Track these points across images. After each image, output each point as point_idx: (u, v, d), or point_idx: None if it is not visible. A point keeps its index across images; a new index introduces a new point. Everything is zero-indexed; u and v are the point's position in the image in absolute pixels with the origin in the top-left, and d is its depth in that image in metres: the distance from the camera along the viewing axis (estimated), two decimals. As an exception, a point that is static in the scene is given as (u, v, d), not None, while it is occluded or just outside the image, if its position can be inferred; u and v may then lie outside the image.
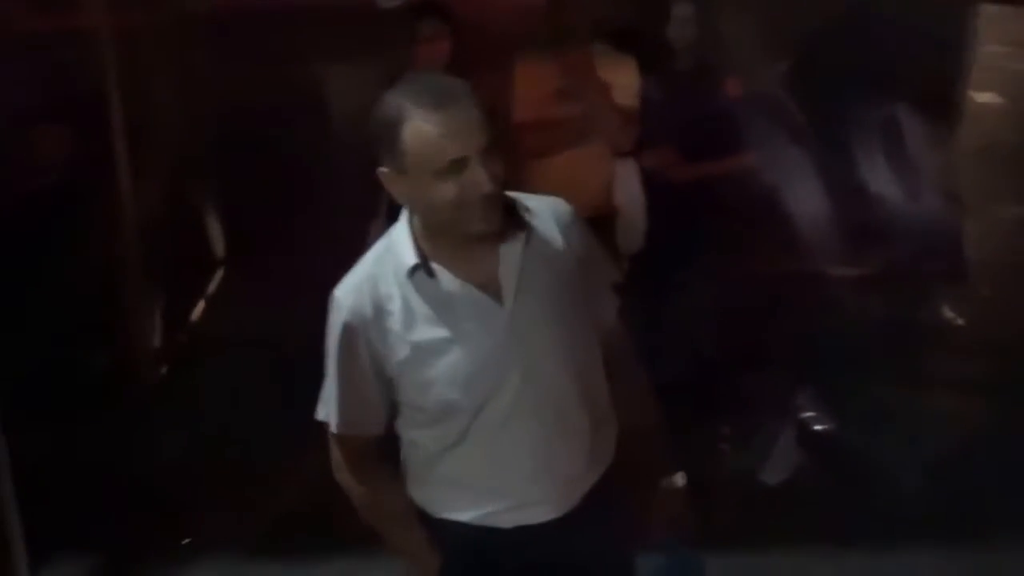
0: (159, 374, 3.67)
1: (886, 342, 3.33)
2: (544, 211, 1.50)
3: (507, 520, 1.52)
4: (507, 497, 1.51)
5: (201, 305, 4.20)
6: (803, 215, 3.12)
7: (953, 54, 3.69)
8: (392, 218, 1.50)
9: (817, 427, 3.13)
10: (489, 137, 1.35)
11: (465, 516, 1.53)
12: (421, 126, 1.33)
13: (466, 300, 1.43)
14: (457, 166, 1.33)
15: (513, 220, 1.45)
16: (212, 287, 4.34)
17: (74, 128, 3.44)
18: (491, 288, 1.43)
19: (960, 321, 3.73)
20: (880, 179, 3.26)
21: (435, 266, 1.43)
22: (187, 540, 2.77)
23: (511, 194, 1.46)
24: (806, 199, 3.14)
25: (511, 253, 1.44)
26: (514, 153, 2.89)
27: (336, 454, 1.56)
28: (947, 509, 2.73)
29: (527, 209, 1.48)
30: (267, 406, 3.35)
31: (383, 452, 1.58)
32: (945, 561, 2.61)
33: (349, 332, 1.45)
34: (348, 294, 1.45)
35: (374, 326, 1.43)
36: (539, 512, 1.52)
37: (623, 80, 2.86)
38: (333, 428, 1.52)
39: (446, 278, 1.43)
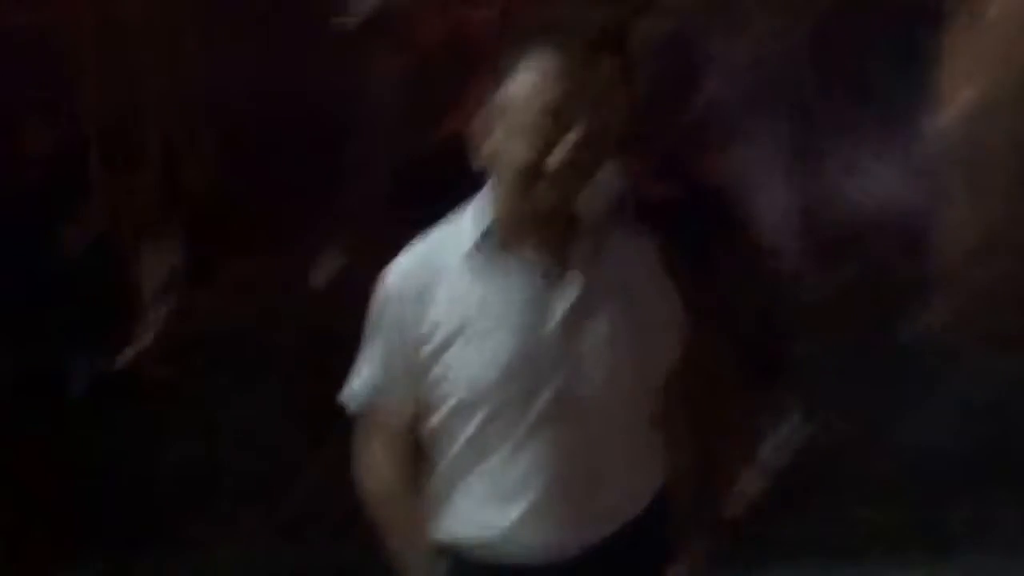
0: (164, 374, 3.59)
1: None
2: (629, 238, 1.47)
3: (495, 549, 1.44)
4: (507, 519, 1.42)
5: (208, 303, 4.11)
6: (783, 214, 3.01)
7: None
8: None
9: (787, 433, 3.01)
10: (595, 116, 1.30)
11: (473, 532, 1.45)
12: (529, 72, 1.31)
13: (524, 290, 1.38)
14: (548, 122, 1.29)
15: (596, 228, 1.41)
16: (219, 284, 4.26)
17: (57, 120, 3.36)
18: (554, 285, 1.39)
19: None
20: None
21: (501, 247, 1.38)
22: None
23: (603, 212, 1.43)
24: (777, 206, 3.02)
25: (583, 257, 1.40)
26: None
27: (360, 442, 1.52)
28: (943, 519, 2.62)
29: (615, 228, 1.45)
30: (275, 407, 3.29)
31: (408, 453, 1.52)
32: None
33: (389, 314, 1.43)
34: (395, 275, 1.44)
35: (419, 301, 1.40)
36: (536, 549, 1.43)
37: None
38: (360, 407, 1.49)
39: (510, 261, 1.39)
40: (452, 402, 1.40)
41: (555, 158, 1.29)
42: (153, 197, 3.70)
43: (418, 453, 1.52)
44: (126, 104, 3.59)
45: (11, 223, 3.29)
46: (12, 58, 3.26)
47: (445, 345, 1.39)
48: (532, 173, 1.31)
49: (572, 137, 1.29)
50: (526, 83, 1.31)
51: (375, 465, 1.51)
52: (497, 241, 1.38)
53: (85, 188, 3.30)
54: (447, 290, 1.39)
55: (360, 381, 1.48)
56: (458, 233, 1.42)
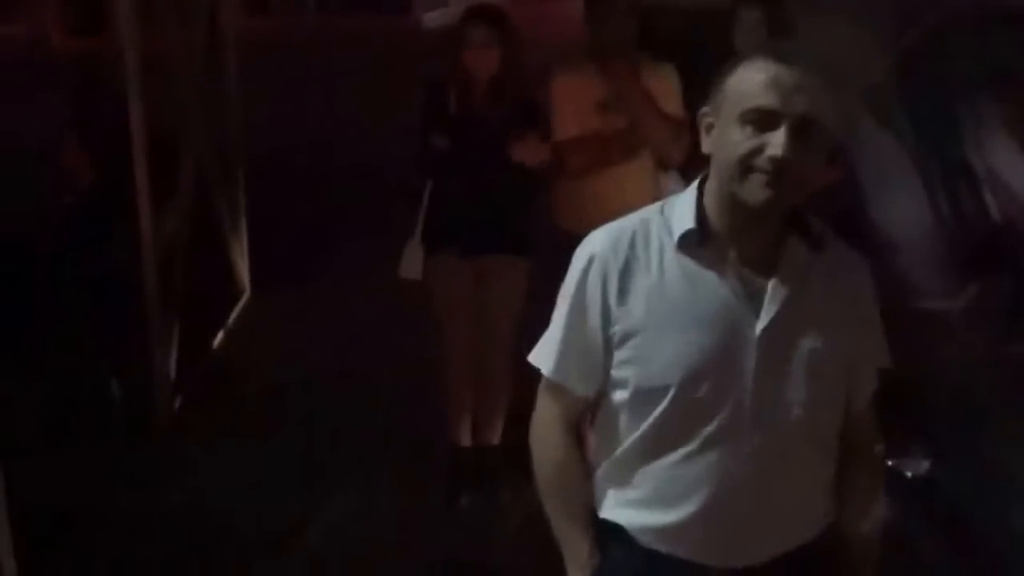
0: (176, 406, 3.53)
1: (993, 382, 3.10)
2: (844, 259, 1.43)
3: (661, 541, 1.43)
4: (670, 516, 1.41)
5: (221, 335, 4.08)
6: (898, 238, 2.92)
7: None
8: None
9: (911, 472, 2.89)
10: (811, 118, 1.29)
11: (628, 519, 1.45)
12: (748, 70, 1.33)
13: (724, 288, 1.35)
14: (763, 119, 1.29)
15: (809, 241, 1.38)
16: (232, 317, 4.24)
17: (93, 151, 3.37)
18: (756, 292, 1.36)
19: None
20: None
21: (710, 243, 1.37)
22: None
23: (816, 223, 1.41)
24: (900, 220, 2.93)
25: (792, 270, 1.37)
26: (558, 170, 2.76)
27: (540, 409, 1.51)
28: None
29: (828, 245, 1.41)
30: (284, 444, 3.22)
31: (585, 427, 1.51)
32: None
33: (591, 276, 1.40)
34: (603, 237, 1.42)
35: (618, 278, 1.38)
36: (694, 548, 1.41)
37: (665, 87, 2.73)
38: (547, 371, 1.47)
39: (716, 256, 1.36)
40: (636, 387, 1.38)
41: (774, 151, 1.28)
42: (184, 222, 3.69)
43: (595, 430, 1.51)
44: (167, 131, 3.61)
45: (42, 241, 3.29)
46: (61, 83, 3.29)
47: (639, 328, 1.37)
48: (744, 161, 1.31)
49: (787, 133, 1.29)
50: (747, 79, 1.32)
51: (550, 439, 1.49)
52: (706, 235, 1.37)
53: (121, 213, 3.28)
54: (649, 276, 1.37)
55: (548, 347, 1.47)
56: (666, 221, 1.40)
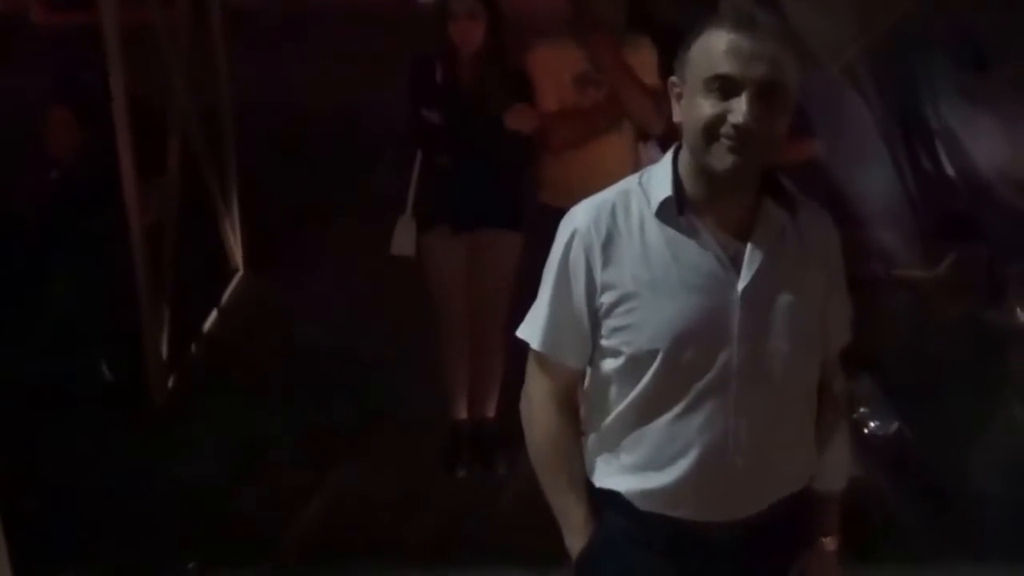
0: (168, 385, 3.51)
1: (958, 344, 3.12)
2: (814, 217, 1.47)
3: (658, 504, 1.46)
4: (666, 478, 1.43)
5: (214, 314, 4.05)
6: (873, 210, 2.92)
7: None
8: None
9: (873, 425, 2.90)
10: (772, 82, 1.31)
11: (623, 486, 1.47)
12: (710, 37, 1.35)
13: (704, 253, 1.39)
14: (725, 86, 1.32)
15: (783, 203, 1.42)
16: (225, 295, 4.21)
17: (79, 126, 3.33)
18: (735, 254, 1.39)
19: None
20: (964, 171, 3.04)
21: (687, 209, 1.39)
22: (192, 564, 2.57)
23: (788, 185, 1.44)
24: (877, 193, 2.93)
25: (768, 231, 1.40)
26: (540, 145, 2.74)
27: (530, 381, 1.53)
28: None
29: (799, 204, 1.44)
30: (283, 418, 3.21)
31: (575, 398, 1.53)
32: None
33: (574, 249, 1.43)
34: (584, 212, 1.44)
35: (601, 251, 1.41)
36: (694, 511, 1.45)
37: (643, 59, 2.74)
38: (535, 345, 1.49)
39: (694, 222, 1.39)
40: (627, 354, 1.40)
41: (736, 119, 1.30)
42: (174, 197, 3.65)
43: (584, 400, 1.53)
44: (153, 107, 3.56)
45: (28, 219, 3.25)
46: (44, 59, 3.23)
47: (626, 298, 1.39)
48: (708, 129, 1.33)
49: (748, 99, 1.30)
50: (708, 47, 1.33)
51: (540, 412, 1.52)
52: (683, 203, 1.39)
53: (107, 189, 3.24)
54: (632, 246, 1.40)
55: (535, 321, 1.49)
56: (645, 191, 1.43)
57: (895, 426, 2.91)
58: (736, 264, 1.39)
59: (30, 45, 3.19)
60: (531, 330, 1.49)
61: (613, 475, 1.48)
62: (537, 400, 1.52)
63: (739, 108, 1.30)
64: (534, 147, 2.81)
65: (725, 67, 1.31)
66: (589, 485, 1.52)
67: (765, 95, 1.31)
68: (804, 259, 1.43)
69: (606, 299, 1.41)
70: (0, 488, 2.28)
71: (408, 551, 2.68)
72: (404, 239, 2.93)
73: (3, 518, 2.27)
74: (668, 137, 2.73)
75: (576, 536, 1.50)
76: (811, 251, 1.44)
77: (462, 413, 3.06)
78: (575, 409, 1.53)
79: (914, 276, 3.68)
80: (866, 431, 2.85)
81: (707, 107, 1.32)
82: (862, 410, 2.87)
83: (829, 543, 1.57)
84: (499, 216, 2.90)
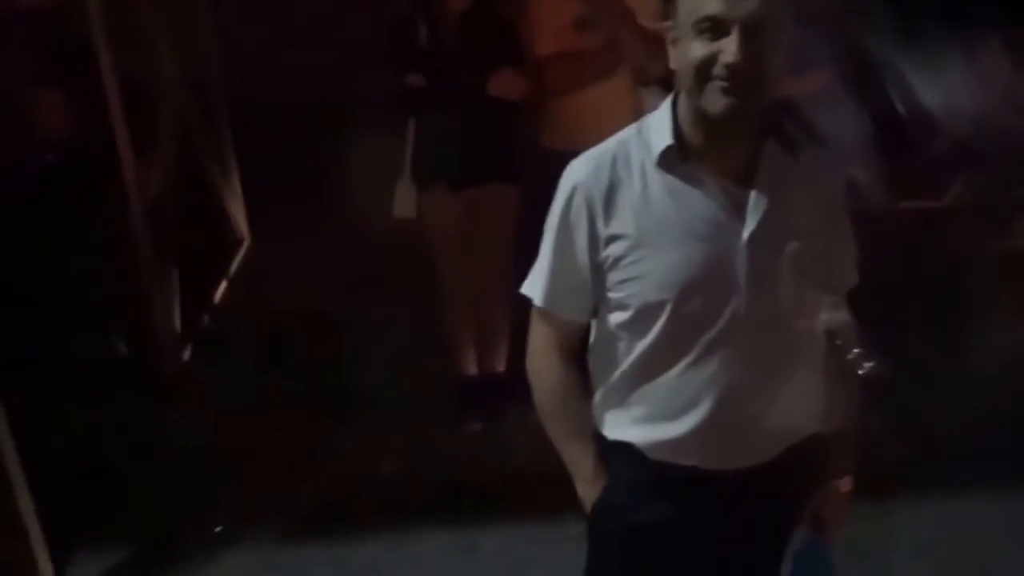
0: (183, 357, 3.57)
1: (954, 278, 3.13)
2: (818, 159, 1.45)
3: (669, 453, 1.46)
4: (677, 428, 1.43)
5: (223, 284, 4.09)
6: (866, 140, 2.90)
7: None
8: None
9: (867, 366, 2.92)
10: (762, 19, 1.29)
11: (634, 437, 1.47)
12: None
13: (708, 200, 1.37)
14: (715, 26, 1.29)
15: (786, 146, 1.39)
16: (233, 265, 4.24)
17: (71, 106, 3.32)
18: (738, 201, 1.37)
19: None
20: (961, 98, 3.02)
21: (688, 159, 1.37)
22: (219, 528, 2.65)
23: (790, 127, 1.42)
24: (870, 123, 2.91)
25: (771, 175, 1.38)
26: (537, 90, 2.74)
27: (534, 336, 1.53)
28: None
29: (802, 145, 1.42)
30: (296, 386, 3.27)
31: (579, 350, 1.53)
32: (995, 511, 2.59)
33: (575, 204, 1.41)
34: (583, 165, 1.42)
35: (602, 203, 1.39)
36: (702, 456, 1.45)
37: (643, 3, 2.68)
38: (537, 301, 1.49)
39: (696, 170, 1.37)
40: (634, 306, 1.40)
41: (726, 59, 1.28)
42: (170, 174, 3.66)
43: (591, 355, 1.53)
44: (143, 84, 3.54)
45: (28, 203, 3.27)
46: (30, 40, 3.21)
47: (631, 249, 1.38)
48: (701, 71, 1.30)
49: (738, 38, 1.28)
50: None
51: (545, 361, 1.52)
52: (684, 150, 1.37)
53: (105, 168, 3.25)
54: (634, 197, 1.38)
55: (538, 277, 1.49)
56: (644, 140, 1.40)
57: (889, 367, 2.92)
58: (741, 211, 1.37)
59: (14, 26, 3.15)
60: (534, 286, 1.49)
61: (623, 426, 1.48)
62: (541, 352, 1.52)
63: (729, 48, 1.28)
64: (519, 106, 2.81)
65: (713, 7, 1.29)
66: (599, 436, 1.52)
67: (756, 33, 1.28)
68: (809, 203, 1.40)
69: (611, 251, 1.39)
70: (29, 464, 2.36)
71: (423, 507, 2.74)
72: (404, 201, 2.95)
73: (32, 492, 2.35)
74: (670, 82, 2.75)
75: (587, 484, 1.52)
76: (816, 194, 1.41)
77: (471, 369, 3.11)
78: (579, 360, 1.53)
79: (921, 207, 3.68)
80: (861, 372, 2.86)
81: (698, 49, 1.30)
82: (856, 351, 2.88)
83: (843, 484, 1.56)
84: (494, 170, 2.91)
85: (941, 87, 3.08)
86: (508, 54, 2.76)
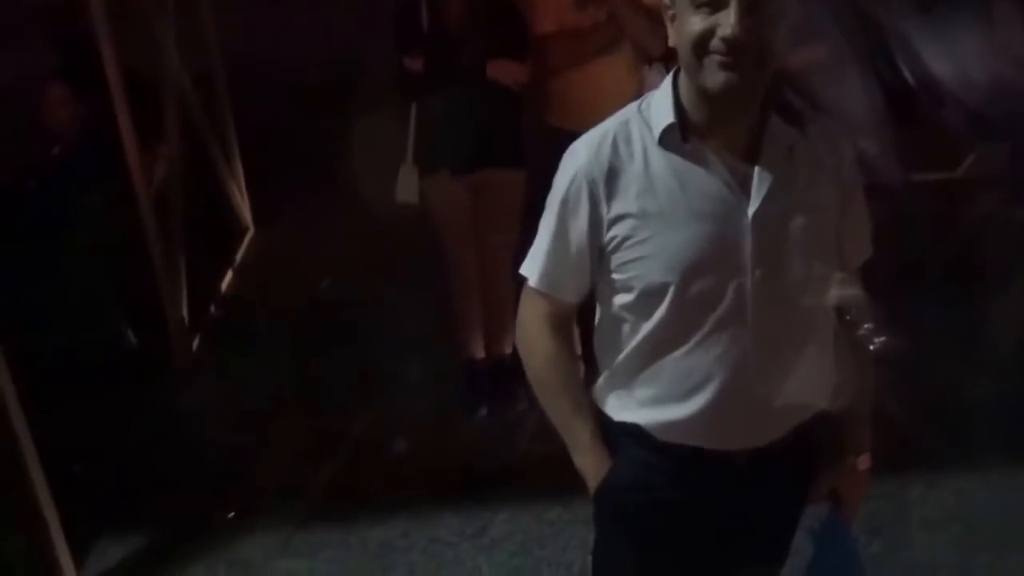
0: (192, 346, 3.58)
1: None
2: (824, 132, 1.42)
3: (677, 434, 1.45)
4: (685, 410, 1.42)
5: (230, 273, 4.11)
6: (876, 112, 2.87)
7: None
8: None
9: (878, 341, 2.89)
10: None
11: (641, 418, 1.46)
12: None
13: (712, 178, 1.35)
14: (713, 1, 1.28)
15: (790, 120, 1.37)
16: (239, 254, 4.25)
17: (76, 100, 3.33)
18: (743, 178, 1.35)
19: None
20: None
21: (691, 135, 1.35)
22: (231, 514, 2.66)
23: (795, 100, 1.40)
24: (879, 94, 2.87)
25: (776, 151, 1.36)
26: (541, 67, 2.72)
27: (525, 312, 1.52)
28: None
29: (808, 119, 1.39)
30: (306, 372, 3.28)
31: (572, 328, 1.52)
32: (1012, 486, 2.58)
33: (576, 187, 1.39)
34: (584, 146, 1.40)
35: (604, 185, 1.37)
36: (711, 436, 1.43)
37: None
38: (533, 282, 1.48)
39: (699, 147, 1.35)
40: (639, 288, 1.38)
41: (724, 32, 1.26)
42: (177, 162, 3.66)
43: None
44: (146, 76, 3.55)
45: (35, 196, 3.29)
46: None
47: (634, 230, 1.36)
48: (698, 46, 1.29)
49: (736, 11, 1.26)
50: None
51: (537, 336, 1.51)
52: (687, 129, 1.35)
53: (110, 160, 3.26)
54: (636, 177, 1.36)
55: (536, 258, 1.47)
56: (645, 119, 1.39)
57: (902, 342, 2.89)
58: (746, 188, 1.35)
59: (19, 20, 3.17)
60: (531, 266, 1.48)
61: (630, 408, 1.47)
62: (532, 328, 1.51)
63: (727, 21, 1.26)
64: (521, 91, 2.80)
65: None
66: (605, 418, 1.51)
67: (754, 6, 1.26)
68: (816, 176, 1.38)
69: (614, 233, 1.38)
70: (45, 456, 2.38)
71: (434, 490, 2.76)
72: (407, 187, 2.95)
73: (50, 483, 2.38)
74: (672, 60, 2.72)
75: (584, 456, 1.50)
76: (823, 167, 1.39)
77: (479, 353, 3.11)
78: (570, 335, 1.52)
79: (936, 178, 3.64)
80: (872, 347, 2.84)
81: (696, 23, 1.28)
82: (867, 326, 2.85)
83: (861, 462, 1.55)
84: (497, 156, 2.90)
85: (952, 55, 3.03)
86: (512, 37, 2.75)
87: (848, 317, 1.52)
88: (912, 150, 3.10)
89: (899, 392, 2.61)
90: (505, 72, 2.73)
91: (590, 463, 1.50)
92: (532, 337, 1.52)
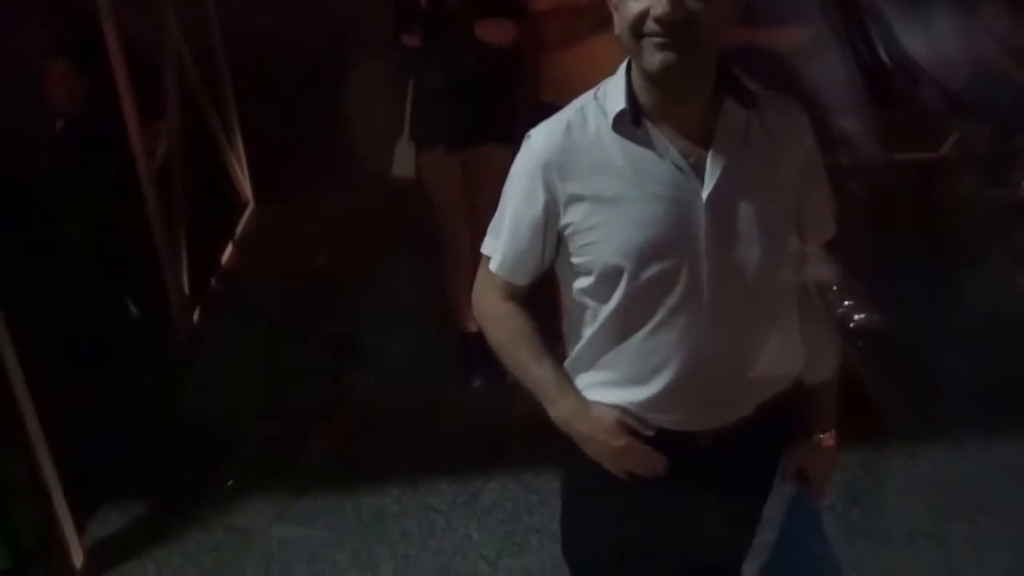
0: (193, 319, 3.65)
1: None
2: (779, 106, 1.41)
3: (643, 413, 1.45)
4: (649, 391, 1.43)
5: (230, 247, 4.16)
6: (854, 91, 2.89)
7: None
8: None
9: (857, 318, 2.94)
10: None
11: (607, 399, 1.46)
12: None
13: (664, 162, 1.35)
14: None
15: (743, 99, 1.36)
16: (239, 227, 4.30)
17: (78, 75, 3.36)
18: (696, 160, 1.35)
19: None
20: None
21: (644, 119, 1.35)
22: (230, 482, 2.74)
23: (747, 80, 1.38)
24: (857, 73, 2.90)
25: (730, 132, 1.35)
26: (535, 44, 2.75)
27: (479, 287, 1.53)
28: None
29: (758, 97, 1.38)
30: (304, 344, 3.34)
31: (526, 298, 1.53)
32: (989, 455, 2.63)
33: (533, 172, 1.40)
34: (540, 134, 1.41)
35: (558, 171, 1.38)
36: (677, 416, 1.44)
37: None
38: (493, 266, 1.49)
39: (652, 131, 1.35)
40: (596, 271, 1.39)
41: (656, 11, 1.26)
42: (177, 140, 3.70)
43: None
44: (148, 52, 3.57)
45: (38, 171, 3.33)
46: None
47: (589, 214, 1.36)
48: (636, 28, 1.29)
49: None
50: None
51: (490, 304, 1.51)
52: (639, 114, 1.35)
53: (112, 135, 3.30)
54: (591, 162, 1.37)
55: (495, 243, 1.48)
56: (600, 105, 1.39)
57: (878, 317, 2.92)
58: (700, 171, 1.34)
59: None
60: (491, 248, 1.48)
61: (596, 389, 1.47)
62: (485, 298, 1.51)
63: (659, 0, 1.25)
64: (516, 60, 2.82)
65: None
66: None
67: None
68: (773, 155, 1.37)
69: (569, 219, 1.38)
70: (48, 425, 2.44)
71: (428, 459, 2.82)
72: (403, 161, 2.98)
73: (53, 452, 2.45)
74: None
75: (554, 406, 1.48)
76: (780, 145, 1.38)
77: (473, 325, 3.16)
78: (524, 300, 1.52)
79: (918, 158, 3.68)
80: (851, 324, 2.85)
81: (633, 7, 1.28)
82: (847, 303, 2.83)
83: (827, 439, 1.56)
84: (493, 132, 2.92)
85: (933, 36, 3.05)
86: (508, 13, 2.76)
87: (828, 295, 1.52)
88: (894, 130, 3.12)
89: (878, 366, 2.67)
90: (493, 32, 2.73)
91: (563, 409, 1.47)
92: (485, 307, 1.52)
